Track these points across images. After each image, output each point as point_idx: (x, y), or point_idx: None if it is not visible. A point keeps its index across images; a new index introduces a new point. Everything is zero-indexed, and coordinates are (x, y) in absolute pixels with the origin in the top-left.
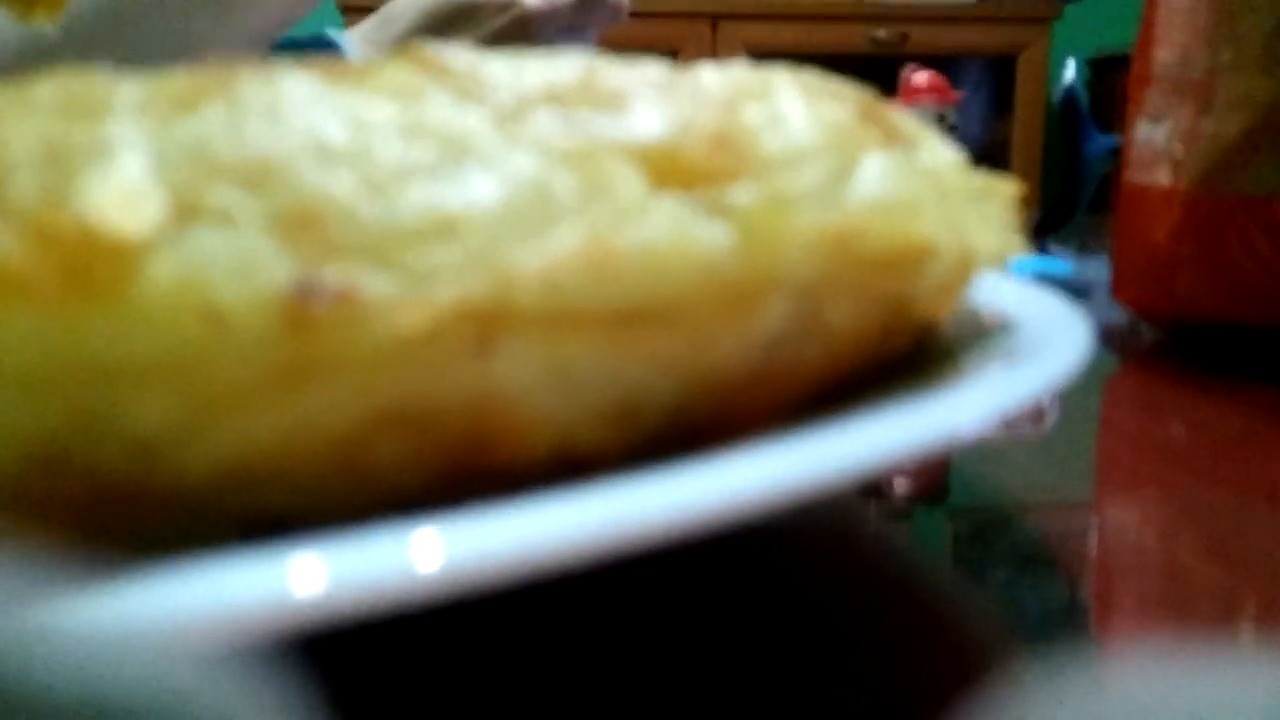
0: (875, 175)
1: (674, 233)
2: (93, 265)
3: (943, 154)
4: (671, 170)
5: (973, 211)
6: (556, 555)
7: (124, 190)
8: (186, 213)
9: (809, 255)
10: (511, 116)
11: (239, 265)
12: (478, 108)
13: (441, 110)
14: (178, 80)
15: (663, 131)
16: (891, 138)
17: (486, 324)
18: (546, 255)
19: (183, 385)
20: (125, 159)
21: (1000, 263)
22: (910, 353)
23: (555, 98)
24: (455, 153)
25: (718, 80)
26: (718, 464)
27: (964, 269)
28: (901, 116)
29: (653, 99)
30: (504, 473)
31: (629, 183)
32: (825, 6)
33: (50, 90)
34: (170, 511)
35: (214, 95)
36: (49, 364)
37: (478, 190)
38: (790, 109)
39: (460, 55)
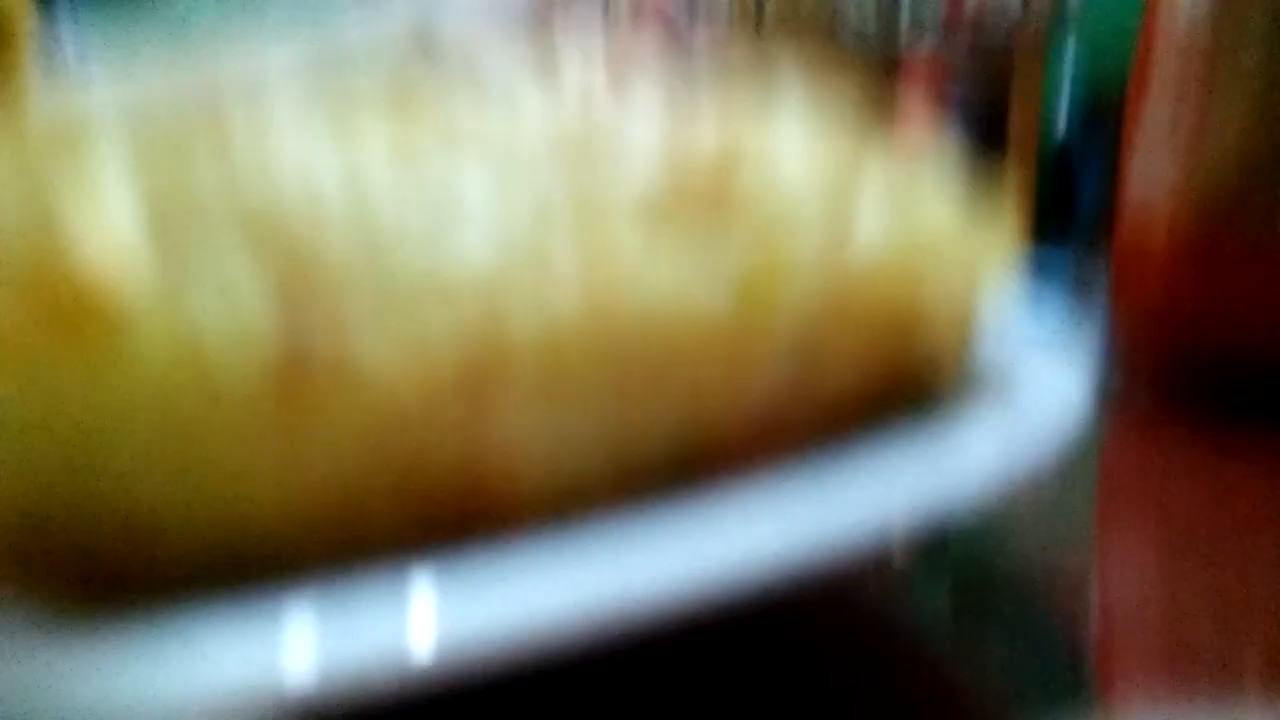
0: (874, 219)
1: (671, 293)
2: (81, 323)
3: (941, 195)
4: (669, 227)
5: (972, 257)
6: (555, 640)
7: (114, 245)
8: (179, 273)
9: (806, 315)
10: (509, 172)
11: (231, 326)
12: (475, 164)
13: (438, 166)
14: (171, 123)
15: (660, 189)
16: (890, 176)
17: (482, 384)
18: (543, 316)
19: (172, 445)
20: (113, 207)
21: (999, 315)
22: (909, 408)
23: (552, 154)
24: (452, 210)
25: (716, 133)
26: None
27: (962, 323)
28: (900, 158)
29: (650, 154)
30: (499, 526)
31: (626, 241)
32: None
33: (37, 138)
34: (156, 571)
35: (206, 144)
36: (36, 423)
37: (474, 250)
38: (788, 163)
39: (458, 109)
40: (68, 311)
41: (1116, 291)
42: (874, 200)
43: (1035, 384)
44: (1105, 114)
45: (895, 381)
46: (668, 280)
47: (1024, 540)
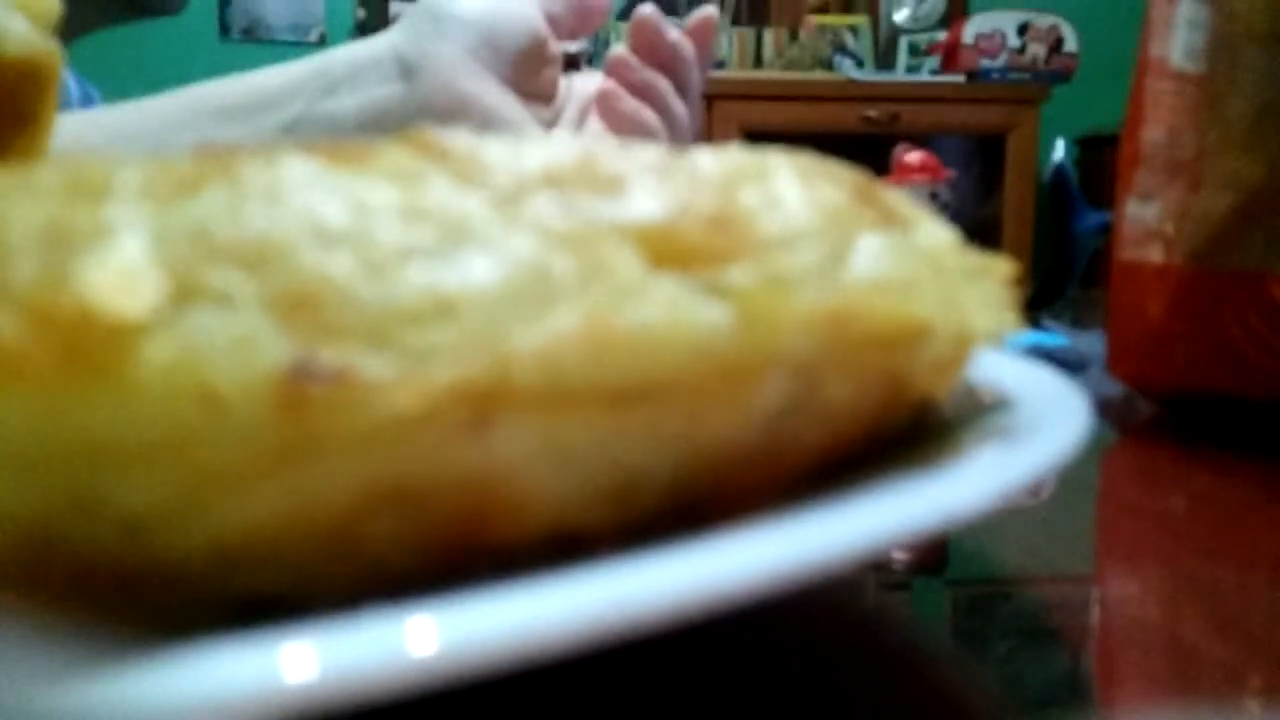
0: (871, 255)
1: (672, 313)
2: (90, 346)
3: (938, 233)
4: (669, 251)
5: (969, 290)
6: (553, 642)
7: (122, 272)
8: (184, 294)
9: (806, 334)
10: (510, 199)
11: (236, 346)
12: (477, 191)
13: (441, 193)
14: (179, 163)
15: (660, 213)
16: (887, 218)
17: (484, 404)
18: (545, 335)
19: (177, 466)
20: (124, 241)
21: (997, 340)
22: (908, 430)
23: (553, 181)
24: (454, 235)
25: (714, 163)
26: (714, 549)
27: (961, 347)
28: (896, 197)
29: (650, 182)
30: (500, 551)
31: (627, 264)
32: (818, 86)
33: (52, 174)
34: (162, 592)
35: (215, 178)
36: (44, 444)
37: (476, 271)
38: (786, 191)
39: (460, 139)
40: (76, 334)
41: (1114, 320)
42: (872, 219)
43: (1034, 403)
44: (1101, 148)
45: (895, 399)
46: (668, 300)
47: (1024, 549)
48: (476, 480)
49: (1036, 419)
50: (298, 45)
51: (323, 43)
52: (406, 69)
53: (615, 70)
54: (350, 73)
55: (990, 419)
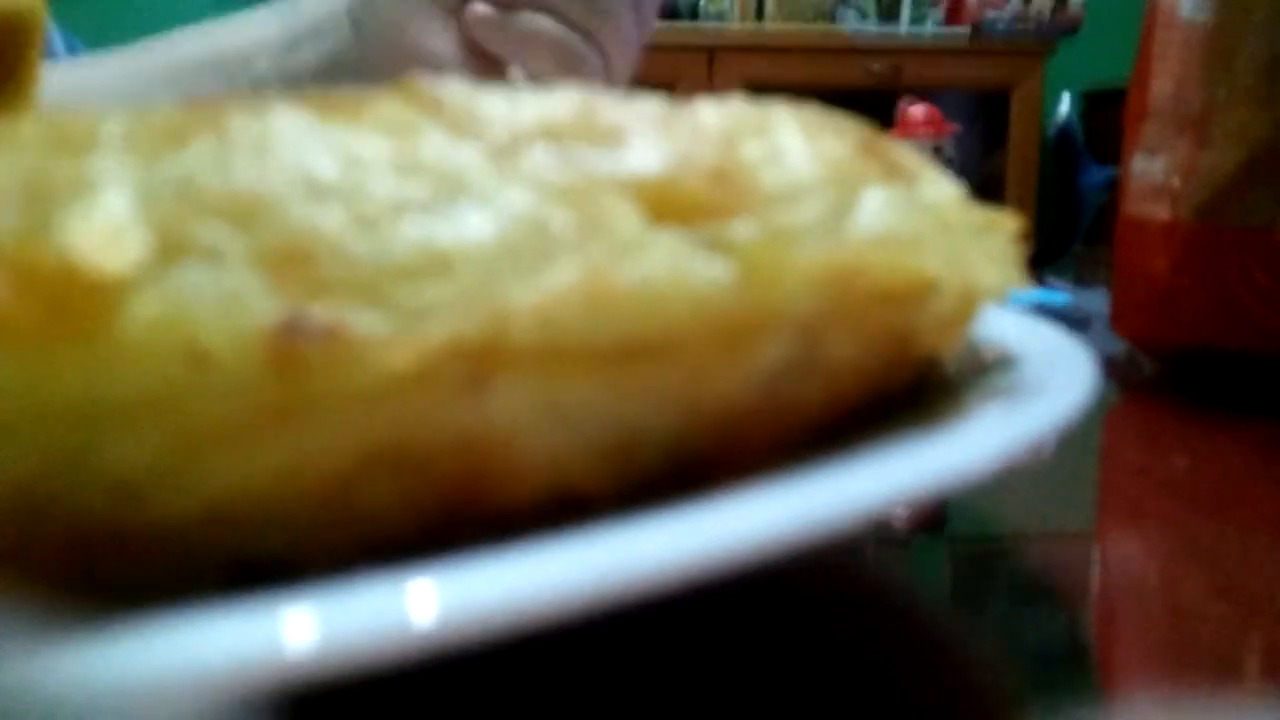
0: (876, 210)
1: (672, 268)
2: (74, 303)
3: (943, 188)
4: (670, 206)
5: (974, 245)
6: (555, 608)
7: (107, 227)
8: (171, 249)
9: (809, 290)
10: (507, 152)
11: (224, 302)
12: (473, 143)
13: (436, 145)
14: (166, 115)
15: (661, 166)
16: (891, 172)
17: (481, 361)
18: (542, 291)
19: (166, 425)
20: (109, 195)
21: (1002, 297)
22: (912, 388)
23: (551, 133)
24: (449, 188)
25: (716, 115)
26: (715, 510)
27: (966, 303)
28: (901, 151)
29: (650, 134)
30: (498, 513)
31: (626, 218)
32: (820, 39)
33: (35, 126)
34: (152, 555)
35: (202, 130)
36: (30, 404)
37: (472, 226)
38: (789, 144)
39: (455, 90)
40: (59, 291)
41: (1119, 277)
42: (876, 173)
43: (1039, 360)
44: (1107, 103)
45: (899, 356)
46: (668, 255)
47: (1024, 507)
48: (473, 440)
49: (1042, 377)
50: None
51: None
52: (356, 21)
53: None
54: (312, 27)
55: (995, 377)
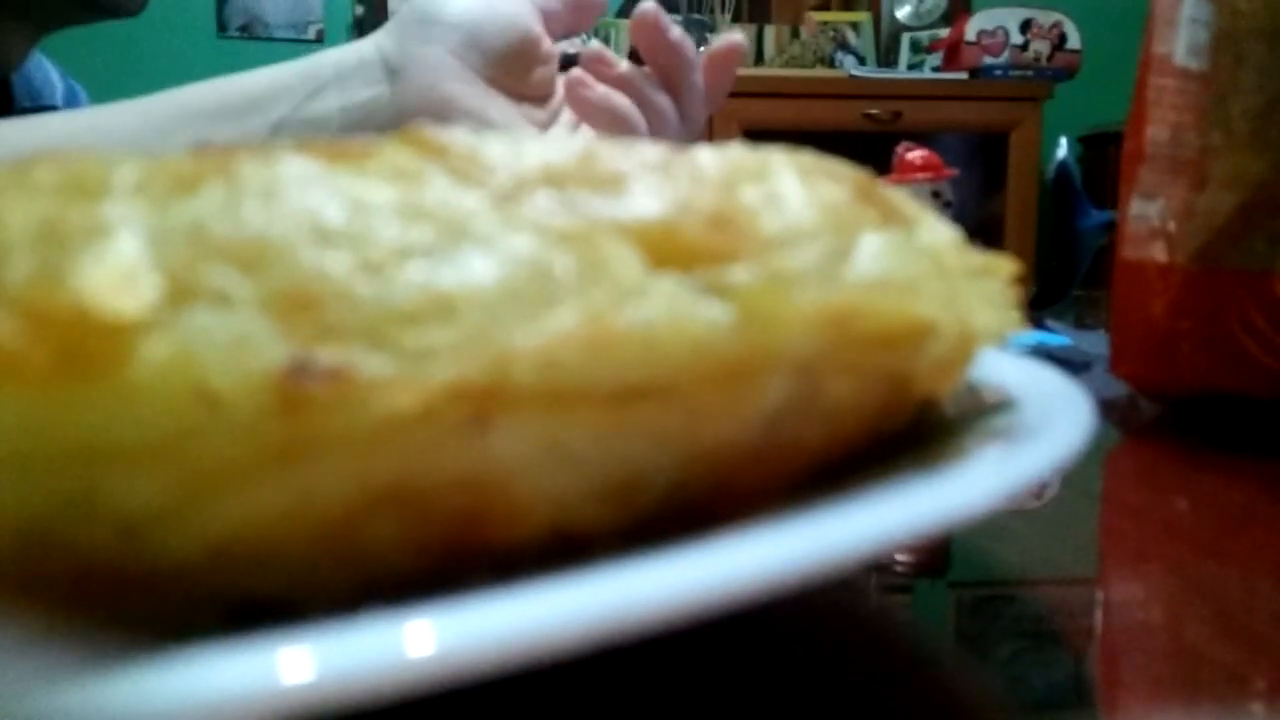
0: (873, 254)
1: (672, 312)
2: (86, 345)
3: (940, 232)
4: (670, 250)
5: (971, 289)
6: (551, 644)
7: (119, 271)
8: (181, 293)
9: (808, 333)
10: (510, 198)
11: (233, 345)
12: (476, 189)
13: (440, 191)
14: (177, 162)
15: (661, 212)
16: (889, 217)
17: (483, 403)
18: (545, 335)
19: (173, 465)
20: (121, 240)
21: (1000, 340)
22: (911, 430)
23: (553, 179)
24: (453, 233)
25: (715, 161)
26: (716, 549)
27: (964, 347)
28: (898, 195)
29: (650, 180)
30: (500, 552)
31: (627, 263)
32: (819, 84)
33: (49, 171)
34: (155, 593)
35: (212, 176)
36: (40, 444)
37: (475, 270)
38: (788, 189)
39: (459, 137)
40: (73, 333)
41: (1117, 320)
42: (874, 218)
43: (1037, 402)
44: (1105, 146)
45: (897, 398)
46: (668, 299)
47: (1027, 551)
48: (475, 480)
49: (1040, 419)
50: (295, 43)
51: (320, 40)
52: (391, 71)
53: (589, 62)
54: (337, 74)
55: (993, 419)
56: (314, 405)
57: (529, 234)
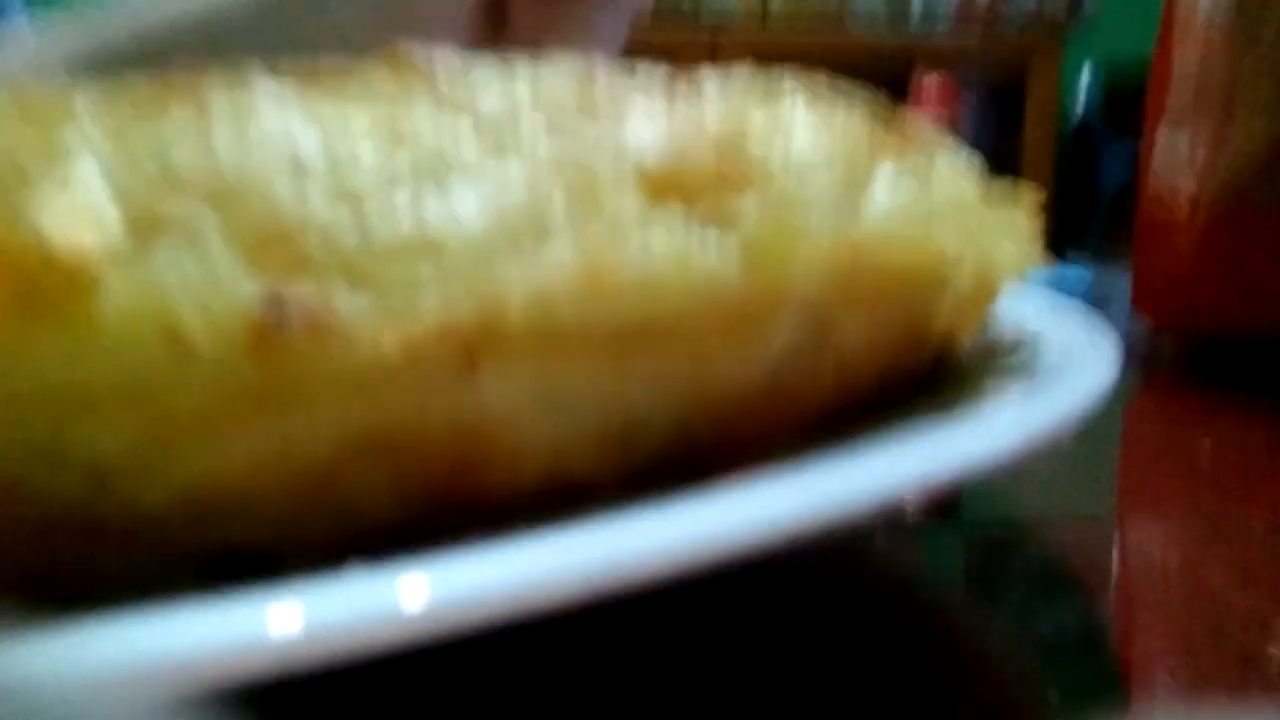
0: (889, 187)
1: (674, 249)
2: (45, 284)
3: (960, 162)
4: (671, 182)
5: (993, 221)
6: (548, 595)
7: (80, 205)
8: (147, 227)
9: (818, 271)
10: (501, 126)
11: (203, 283)
12: (465, 117)
13: (426, 119)
14: (142, 87)
15: (662, 141)
16: (905, 147)
17: (473, 346)
18: (538, 274)
19: (142, 410)
20: (82, 171)
21: (1022, 275)
22: (929, 374)
23: (547, 107)
24: (439, 163)
25: (720, 87)
26: (717, 499)
27: (986, 284)
28: (916, 123)
29: (651, 108)
30: (493, 502)
31: (626, 197)
32: (829, 36)
33: (4, 99)
34: (127, 544)
35: (180, 103)
36: (3, 390)
37: (463, 203)
38: (798, 116)
39: (446, 60)
40: (31, 273)
41: (1140, 256)
42: (889, 148)
43: (1059, 344)
44: (1126, 94)
45: (914, 341)
46: (670, 235)
47: (1041, 493)
48: (465, 427)
49: (1062, 361)
50: None
51: None
52: None
53: None
54: None
55: (1013, 362)
56: (291, 348)
57: (521, 164)
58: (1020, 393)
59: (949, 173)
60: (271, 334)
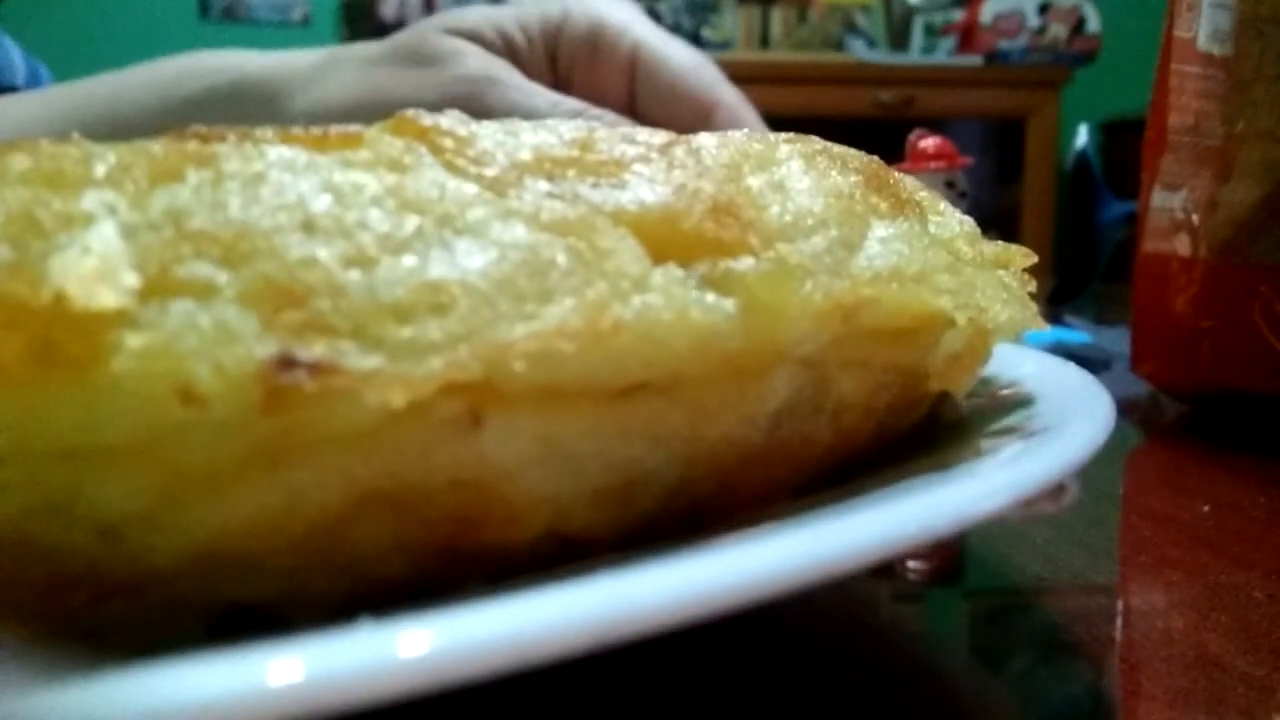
0: (884, 244)
1: (674, 304)
2: (63, 339)
3: (954, 222)
4: (671, 241)
5: (987, 281)
6: (546, 647)
7: (98, 262)
8: (162, 286)
9: (815, 326)
10: (505, 186)
11: (215, 339)
12: (470, 178)
13: (432, 180)
14: (158, 149)
15: (662, 201)
16: (901, 206)
17: (477, 399)
18: (541, 328)
19: (154, 465)
20: (100, 231)
21: (1016, 333)
22: (925, 427)
23: (550, 167)
24: (446, 224)
25: (718, 147)
26: (715, 551)
27: (980, 340)
28: (911, 183)
29: (651, 168)
30: (495, 559)
31: (627, 254)
32: (828, 68)
33: (24, 159)
34: (137, 601)
35: (194, 164)
36: (17, 442)
37: (469, 262)
38: (794, 177)
39: (451, 123)
40: (50, 328)
41: (1139, 316)
42: (884, 207)
43: (1055, 400)
44: (1126, 134)
45: (910, 395)
46: (671, 302)
47: (1044, 556)
48: (469, 480)
49: (1058, 417)
50: (280, 26)
51: (306, 23)
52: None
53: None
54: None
55: (1009, 416)
56: (300, 401)
57: (525, 224)
58: (1015, 446)
59: (943, 231)
60: (281, 387)
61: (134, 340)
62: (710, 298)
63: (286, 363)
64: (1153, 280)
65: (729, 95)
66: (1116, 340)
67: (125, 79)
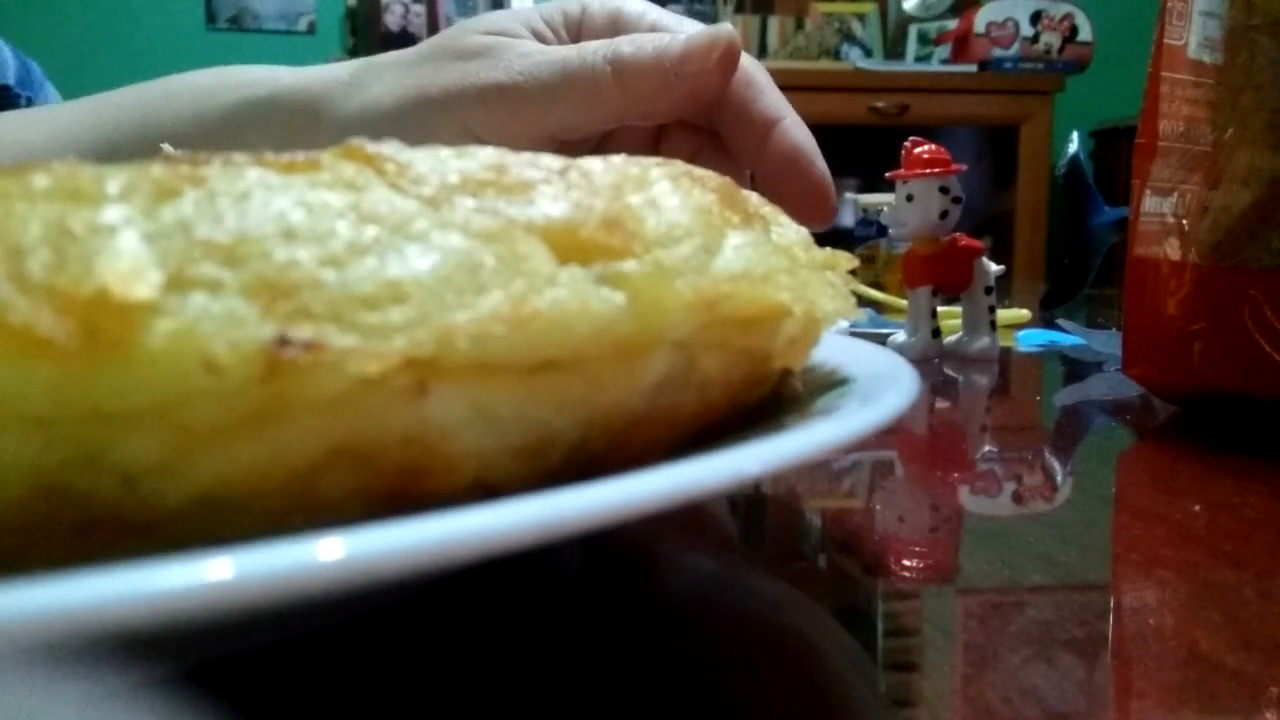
0: (737, 250)
1: (578, 298)
2: (106, 324)
3: (792, 231)
4: (572, 247)
5: (817, 280)
6: (447, 551)
7: (129, 263)
8: (180, 282)
9: (686, 316)
10: (440, 203)
11: (227, 323)
12: (411, 196)
13: (381, 198)
14: (157, 170)
15: (563, 215)
16: (749, 218)
17: (424, 372)
18: (478, 315)
19: (171, 425)
20: (125, 237)
21: (839, 322)
22: (770, 399)
23: (474, 187)
24: (398, 233)
25: (604, 171)
26: (593, 485)
27: (811, 327)
28: (755, 199)
29: (553, 188)
30: (433, 503)
31: (539, 257)
32: (824, 76)
33: (43, 178)
34: (151, 539)
35: (190, 183)
36: (64, 409)
37: (419, 263)
38: (665, 195)
39: (391, 150)
40: (94, 314)
41: (1130, 319)
42: (736, 220)
43: (871, 376)
44: (1118, 140)
45: (757, 372)
46: (575, 295)
47: (1041, 562)
48: (416, 438)
49: (872, 390)
50: (286, 35)
51: (311, 32)
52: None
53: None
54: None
55: (833, 391)
56: (293, 372)
57: (459, 233)
58: (837, 412)
59: (783, 239)
60: (281, 364)
61: (163, 324)
62: (605, 292)
63: (284, 342)
64: (1144, 284)
65: (747, 61)
66: (1108, 343)
67: (152, 91)
